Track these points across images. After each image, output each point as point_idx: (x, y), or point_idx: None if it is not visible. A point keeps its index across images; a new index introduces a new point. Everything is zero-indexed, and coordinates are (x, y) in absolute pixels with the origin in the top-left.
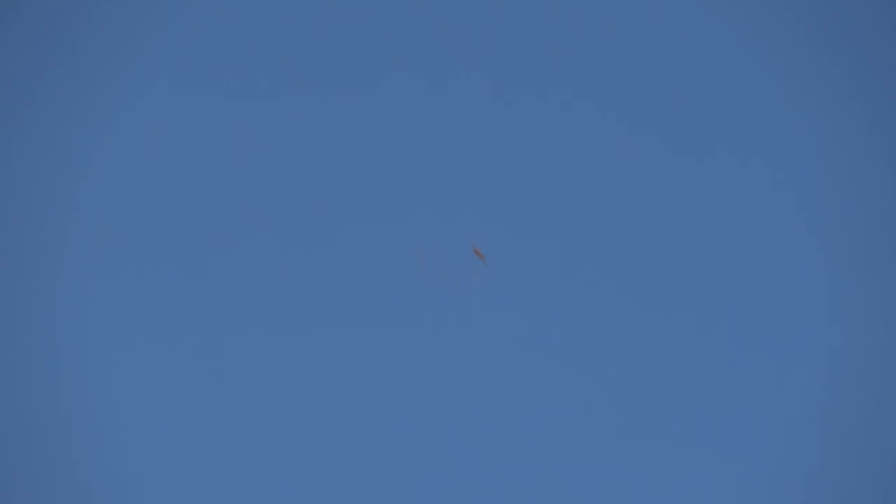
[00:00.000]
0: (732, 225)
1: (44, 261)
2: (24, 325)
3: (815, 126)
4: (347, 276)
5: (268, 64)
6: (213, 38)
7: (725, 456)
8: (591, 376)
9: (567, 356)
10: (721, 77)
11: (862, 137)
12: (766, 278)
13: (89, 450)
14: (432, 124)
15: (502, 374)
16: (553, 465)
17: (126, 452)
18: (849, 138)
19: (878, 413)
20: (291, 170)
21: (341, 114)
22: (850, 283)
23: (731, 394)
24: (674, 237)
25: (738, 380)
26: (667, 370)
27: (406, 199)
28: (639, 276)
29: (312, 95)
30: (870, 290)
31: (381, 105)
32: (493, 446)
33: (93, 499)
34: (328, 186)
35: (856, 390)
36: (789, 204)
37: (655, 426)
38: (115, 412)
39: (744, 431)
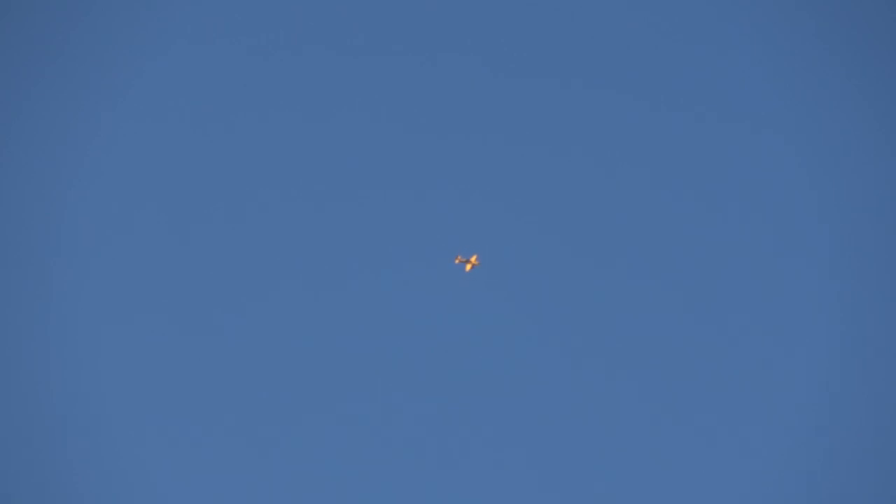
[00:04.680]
0: (735, 225)
1: (38, 256)
2: (21, 319)
3: (821, 131)
4: (346, 271)
5: (263, 60)
6: (209, 35)
7: (724, 454)
8: (591, 375)
9: (567, 356)
10: (723, 75)
11: (867, 142)
12: (769, 278)
13: (84, 445)
14: (429, 111)
15: (499, 373)
16: (554, 465)
17: (119, 444)
18: (854, 143)
19: (879, 415)
20: (287, 164)
21: (337, 112)
22: (853, 284)
23: (731, 393)
24: (675, 237)
25: (739, 379)
26: (667, 370)
27: (406, 192)
28: (639, 275)
29: (303, 92)
30: (872, 292)
31: (380, 88)
32: (490, 445)
33: (87, 492)
34: (325, 187)
35: (857, 391)
36: (792, 206)
37: (655, 426)
38: (107, 403)
39: (745, 430)
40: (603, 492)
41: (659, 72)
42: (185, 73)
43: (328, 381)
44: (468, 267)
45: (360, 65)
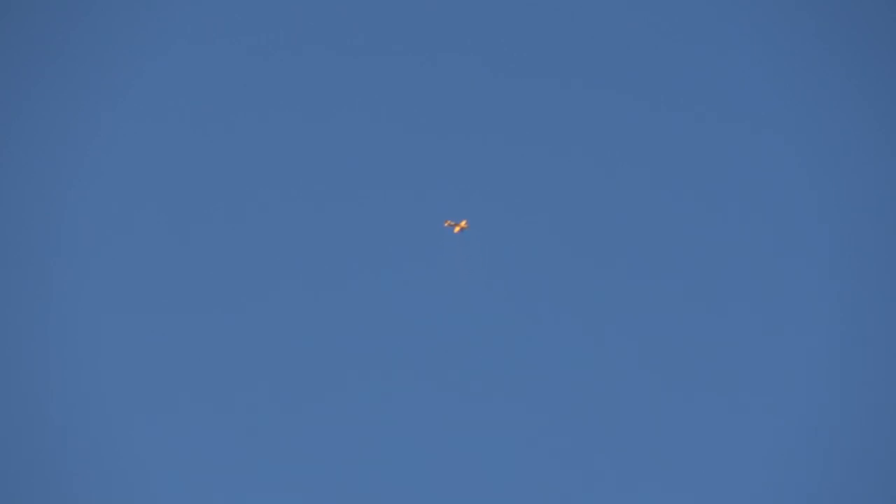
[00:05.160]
0: (735, 225)
1: (36, 254)
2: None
3: (821, 131)
4: (346, 271)
5: (260, 60)
6: (205, 37)
7: (724, 453)
8: (591, 375)
9: (567, 355)
10: (723, 75)
11: (868, 142)
12: (769, 278)
13: (83, 443)
14: (428, 106)
15: (500, 372)
16: (555, 464)
17: (118, 443)
18: (854, 143)
19: (879, 414)
20: (287, 164)
21: (337, 112)
22: (853, 284)
23: (731, 392)
24: (675, 236)
25: (739, 378)
26: (667, 370)
27: (407, 184)
28: (639, 274)
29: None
30: (872, 292)
31: (379, 84)
32: (490, 445)
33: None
34: (325, 187)
35: (857, 391)
36: (792, 206)
37: (655, 425)
38: (107, 402)
39: (745, 429)
40: (604, 490)
41: (659, 72)
42: (185, 73)
43: (328, 380)
44: (457, 229)
45: (360, 65)
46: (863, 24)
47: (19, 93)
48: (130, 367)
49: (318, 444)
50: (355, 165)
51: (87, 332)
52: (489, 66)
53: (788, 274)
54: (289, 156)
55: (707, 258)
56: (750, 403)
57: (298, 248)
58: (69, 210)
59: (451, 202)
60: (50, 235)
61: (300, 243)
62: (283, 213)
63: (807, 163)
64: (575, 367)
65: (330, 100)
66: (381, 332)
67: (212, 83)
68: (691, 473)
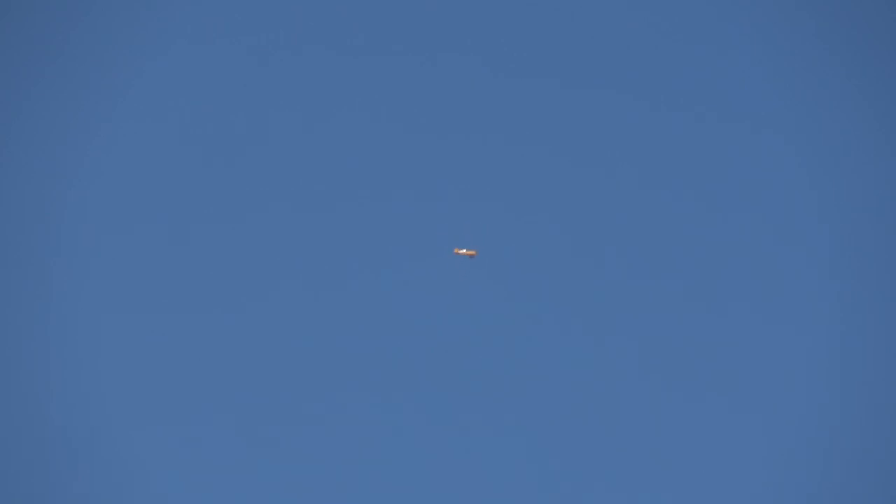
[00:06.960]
0: (735, 225)
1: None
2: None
3: (821, 131)
4: (346, 272)
5: (260, 60)
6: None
7: (725, 454)
8: (591, 375)
9: (568, 356)
10: (723, 75)
11: (868, 142)
12: (769, 278)
13: (84, 445)
14: (428, 106)
15: (501, 373)
16: (556, 464)
17: (119, 445)
18: (854, 143)
19: (880, 415)
20: (287, 165)
21: (337, 113)
22: (853, 284)
23: (732, 393)
24: (675, 236)
25: (740, 379)
26: (667, 371)
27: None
28: (639, 275)
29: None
30: (872, 292)
31: (379, 84)
32: (491, 446)
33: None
34: (325, 187)
35: (857, 392)
36: (792, 206)
37: (655, 425)
38: (108, 404)
39: (746, 430)
40: (604, 490)
41: (659, 72)
42: (185, 73)
43: (329, 381)
44: (464, 253)
45: (360, 65)
46: (863, 24)
47: (19, 93)
48: (130, 367)
49: (318, 444)
50: (355, 166)
51: (87, 332)
52: (489, 66)
53: (788, 274)
54: (289, 156)
55: (707, 258)
56: (750, 403)
57: (299, 249)
58: (69, 210)
59: (451, 202)
60: (50, 235)
61: (300, 244)
62: (282, 214)
63: (807, 163)
64: (575, 367)
65: (330, 100)
66: (381, 333)
67: (212, 83)
68: (692, 474)
